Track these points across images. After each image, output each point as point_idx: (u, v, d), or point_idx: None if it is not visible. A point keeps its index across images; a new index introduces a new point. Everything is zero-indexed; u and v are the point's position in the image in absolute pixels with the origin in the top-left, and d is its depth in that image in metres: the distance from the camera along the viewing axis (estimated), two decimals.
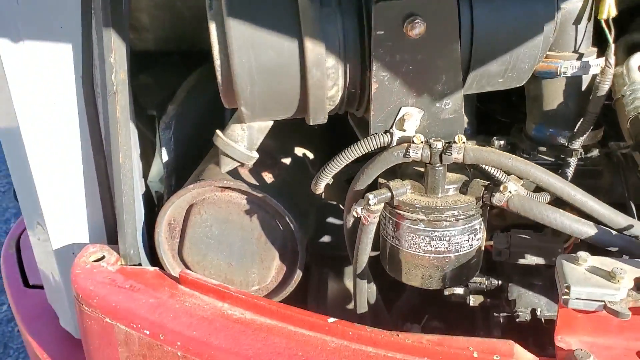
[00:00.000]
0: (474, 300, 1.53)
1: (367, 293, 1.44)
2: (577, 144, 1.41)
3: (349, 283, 1.80)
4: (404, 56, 1.22)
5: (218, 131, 1.43)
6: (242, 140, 1.41)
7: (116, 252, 1.52)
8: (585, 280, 1.07)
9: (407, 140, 1.26)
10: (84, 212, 1.60)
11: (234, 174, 1.48)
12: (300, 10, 1.20)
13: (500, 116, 1.76)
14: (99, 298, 1.38)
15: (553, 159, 1.46)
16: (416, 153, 1.23)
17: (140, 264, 1.52)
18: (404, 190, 1.26)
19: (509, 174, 1.27)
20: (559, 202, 1.26)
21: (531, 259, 1.39)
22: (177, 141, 1.70)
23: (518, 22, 1.26)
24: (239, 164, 1.45)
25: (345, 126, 1.52)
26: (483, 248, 1.35)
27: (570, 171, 1.41)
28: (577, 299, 1.07)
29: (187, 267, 1.55)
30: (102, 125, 1.49)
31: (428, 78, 1.25)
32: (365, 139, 1.28)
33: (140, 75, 1.70)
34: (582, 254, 1.11)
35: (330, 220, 1.80)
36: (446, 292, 1.54)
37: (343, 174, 1.50)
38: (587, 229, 1.20)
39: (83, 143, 1.53)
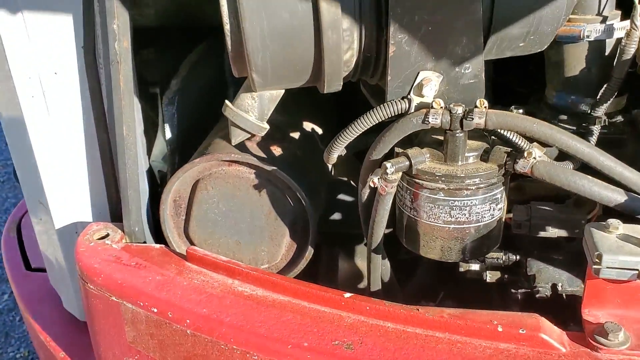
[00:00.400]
0: (490, 277, 1.49)
1: (381, 270, 1.39)
2: (600, 112, 1.37)
3: (360, 262, 1.76)
4: (423, 16, 1.18)
5: (227, 102, 1.37)
6: (252, 110, 1.35)
7: (120, 230, 1.49)
8: (617, 248, 1.04)
9: (425, 107, 1.22)
10: (86, 189, 1.58)
11: (242, 147, 1.43)
12: None
13: (517, 87, 1.71)
14: (104, 275, 1.34)
15: (575, 127, 1.41)
16: (436, 119, 1.18)
17: (145, 242, 1.48)
18: (422, 159, 1.21)
19: (531, 141, 1.22)
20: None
21: (552, 232, 1.35)
22: (181, 117, 1.66)
23: None
24: (249, 135, 1.39)
25: (352, 106, 1.46)
26: (504, 220, 1.30)
27: (593, 140, 1.38)
28: (609, 267, 1.03)
29: (194, 245, 1.50)
30: (105, 97, 1.45)
31: (448, 40, 1.20)
32: (382, 105, 1.23)
33: (141, 51, 1.65)
34: (613, 221, 1.07)
35: (341, 197, 1.75)
36: (461, 269, 1.50)
37: (352, 148, 1.45)
38: (618, 196, 1.15)
39: (85, 117, 1.50)
